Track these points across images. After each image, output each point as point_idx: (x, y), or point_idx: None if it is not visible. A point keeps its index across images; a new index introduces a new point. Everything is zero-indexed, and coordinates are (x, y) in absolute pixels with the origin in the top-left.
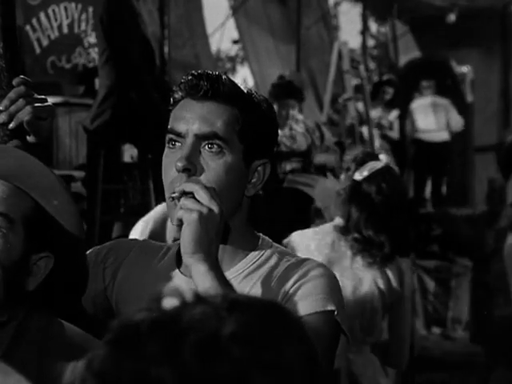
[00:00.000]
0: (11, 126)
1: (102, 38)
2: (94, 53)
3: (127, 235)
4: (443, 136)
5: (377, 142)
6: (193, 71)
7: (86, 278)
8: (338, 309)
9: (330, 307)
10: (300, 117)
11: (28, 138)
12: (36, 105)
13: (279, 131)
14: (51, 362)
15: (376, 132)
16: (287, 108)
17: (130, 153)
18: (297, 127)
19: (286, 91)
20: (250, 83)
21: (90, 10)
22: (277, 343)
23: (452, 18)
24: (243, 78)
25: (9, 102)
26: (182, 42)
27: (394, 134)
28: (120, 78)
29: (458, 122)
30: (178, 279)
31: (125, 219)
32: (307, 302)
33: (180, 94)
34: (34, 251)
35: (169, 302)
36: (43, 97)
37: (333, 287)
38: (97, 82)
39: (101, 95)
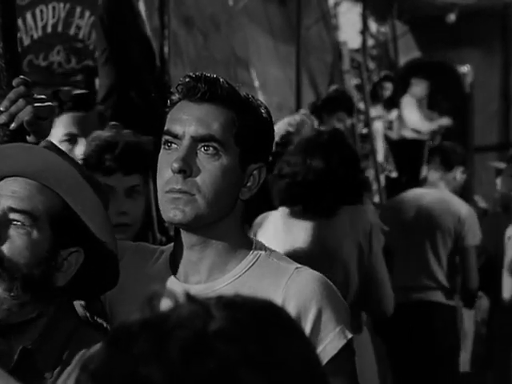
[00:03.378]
0: (12, 126)
1: (102, 38)
2: (72, 54)
3: None
4: (429, 127)
5: (379, 142)
6: (190, 73)
7: (117, 274)
8: (348, 325)
9: (348, 335)
10: None
11: (28, 138)
12: (36, 105)
13: None
14: (71, 361)
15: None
16: (343, 122)
17: None
18: None
19: (344, 105)
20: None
21: (78, 10)
22: (267, 340)
23: (452, 17)
24: None
25: (9, 103)
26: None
27: (393, 134)
28: (120, 77)
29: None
30: (172, 283)
31: None
32: (327, 342)
33: (177, 95)
34: (63, 247)
35: (162, 304)
36: (43, 96)
37: (339, 301)
38: (97, 81)
39: (101, 95)
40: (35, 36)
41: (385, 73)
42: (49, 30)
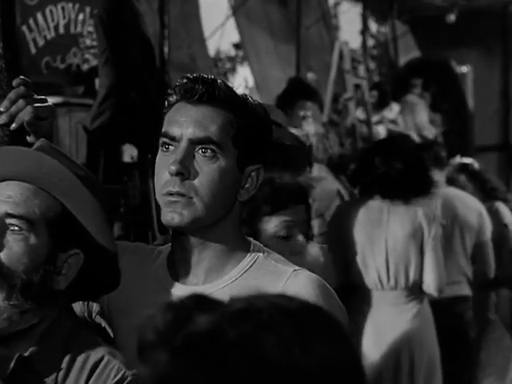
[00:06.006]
0: (13, 126)
1: (102, 38)
2: (89, 54)
3: (127, 235)
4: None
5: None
6: (188, 75)
7: (118, 275)
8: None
9: None
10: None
11: (28, 138)
12: (36, 105)
13: (294, 129)
14: (73, 366)
15: (381, 130)
16: (305, 110)
17: (129, 153)
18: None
19: (302, 92)
20: (251, 83)
21: (87, 10)
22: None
23: (452, 17)
24: (244, 78)
25: (9, 103)
26: (178, 43)
27: (400, 128)
28: (120, 77)
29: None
30: (169, 284)
31: (125, 219)
32: None
33: (175, 97)
34: (61, 250)
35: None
36: (43, 97)
37: (335, 304)
38: (97, 81)
39: (101, 95)
40: (48, 37)
41: (375, 80)
42: (61, 30)
